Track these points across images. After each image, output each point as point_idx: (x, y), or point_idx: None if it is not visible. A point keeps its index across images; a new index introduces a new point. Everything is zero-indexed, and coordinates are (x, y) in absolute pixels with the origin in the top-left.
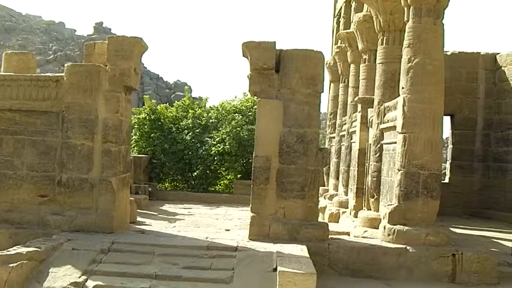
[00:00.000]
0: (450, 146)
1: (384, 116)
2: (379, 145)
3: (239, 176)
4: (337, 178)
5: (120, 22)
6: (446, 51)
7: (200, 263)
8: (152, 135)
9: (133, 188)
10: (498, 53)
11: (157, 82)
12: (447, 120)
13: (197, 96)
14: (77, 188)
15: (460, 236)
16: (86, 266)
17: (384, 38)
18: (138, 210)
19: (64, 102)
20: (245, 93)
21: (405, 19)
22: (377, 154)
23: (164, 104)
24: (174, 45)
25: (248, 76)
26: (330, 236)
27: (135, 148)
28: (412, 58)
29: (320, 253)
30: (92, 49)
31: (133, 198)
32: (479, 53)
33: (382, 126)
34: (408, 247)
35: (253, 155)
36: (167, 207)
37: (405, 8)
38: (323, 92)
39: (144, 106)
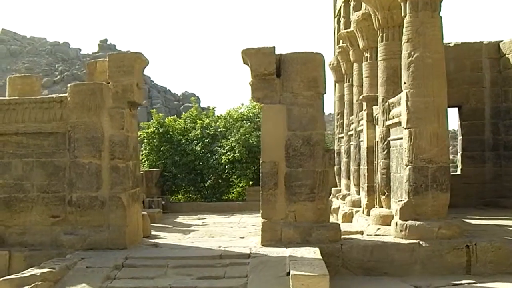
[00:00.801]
0: (460, 137)
1: (389, 113)
2: (386, 142)
3: (251, 183)
4: (349, 178)
5: (125, 38)
6: (448, 43)
7: (214, 273)
8: (162, 148)
9: (146, 203)
10: (501, 41)
11: (165, 95)
12: (455, 111)
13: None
14: (87, 207)
15: (475, 227)
16: (100, 283)
17: (384, 34)
18: (152, 224)
19: (69, 122)
20: (252, 99)
21: (403, 14)
22: (385, 151)
23: (172, 117)
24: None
25: (250, 83)
26: (342, 236)
27: (146, 162)
28: (412, 53)
29: (333, 254)
30: (93, 67)
31: (145, 213)
32: (482, 42)
33: (388, 122)
34: (421, 242)
35: (260, 161)
36: (181, 219)
37: (402, 3)
38: (325, 93)
39: (152, 120)
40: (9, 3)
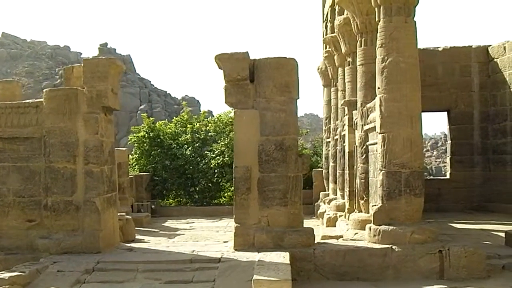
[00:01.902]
0: (449, 141)
1: (367, 118)
2: (364, 147)
3: None
4: (335, 182)
5: (125, 42)
6: (437, 47)
7: (182, 277)
8: (152, 152)
9: (135, 207)
10: (490, 45)
11: (166, 99)
12: (444, 116)
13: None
14: (62, 211)
15: (459, 232)
16: (70, 287)
17: (362, 39)
18: (139, 228)
19: (44, 127)
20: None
21: (377, 19)
22: (363, 156)
23: (163, 121)
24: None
25: (223, 88)
26: (321, 241)
27: (136, 166)
28: (386, 58)
29: (305, 258)
30: (70, 72)
31: (130, 217)
32: (471, 46)
33: (366, 127)
34: (393, 247)
35: (233, 166)
36: (169, 223)
37: (376, 8)
38: (298, 98)
39: (143, 124)
40: (9, 6)
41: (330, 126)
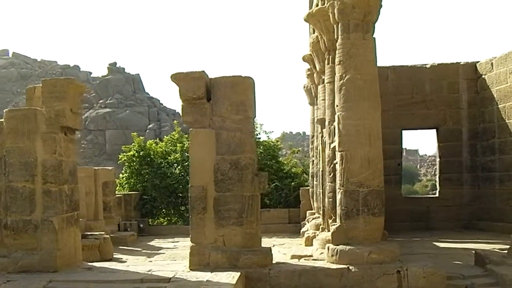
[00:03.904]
0: (438, 159)
1: (334, 136)
2: (332, 165)
3: None
4: (317, 201)
5: (134, 61)
6: (425, 64)
7: None
8: (142, 171)
9: (121, 226)
10: (478, 61)
11: (174, 118)
12: (432, 133)
13: None
14: (21, 230)
15: (441, 251)
16: None
17: (330, 57)
18: (123, 247)
19: (4, 147)
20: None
21: (335, 36)
22: (331, 175)
23: (153, 140)
24: None
25: (181, 107)
26: (278, 261)
27: (126, 185)
28: (344, 75)
29: (261, 279)
30: (32, 92)
31: (107, 236)
32: (459, 63)
33: (333, 145)
34: (350, 267)
35: (189, 185)
36: (155, 242)
37: (335, 26)
38: (255, 117)
39: (133, 143)
40: (20, 27)
41: (315, 145)
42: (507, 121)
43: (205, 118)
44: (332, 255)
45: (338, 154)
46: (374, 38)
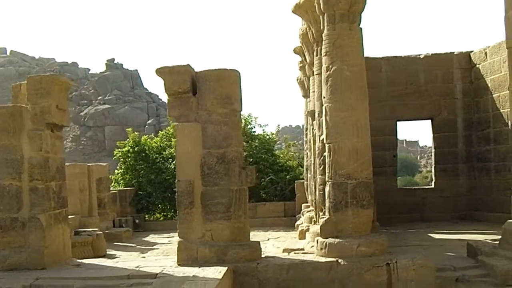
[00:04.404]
0: (433, 150)
1: (323, 128)
2: (322, 158)
3: None
4: (311, 193)
5: (132, 57)
6: (419, 55)
7: None
8: (137, 167)
9: (116, 222)
10: (472, 51)
11: None
12: (427, 124)
13: None
14: (9, 228)
15: (436, 242)
16: None
17: (318, 48)
18: (118, 243)
19: None
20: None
21: (321, 27)
22: (321, 167)
23: (148, 135)
24: None
25: (167, 101)
26: (267, 255)
27: (121, 181)
28: (330, 66)
29: (249, 273)
30: (18, 90)
31: (100, 232)
32: (453, 53)
33: (322, 137)
34: (339, 260)
35: (176, 180)
36: (150, 237)
37: (321, 17)
38: (241, 110)
39: (128, 139)
40: (17, 25)
41: (308, 138)
42: (501, 110)
43: (191, 112)
44: (321, 248)
45: (326, 146)
46: (361, 28)
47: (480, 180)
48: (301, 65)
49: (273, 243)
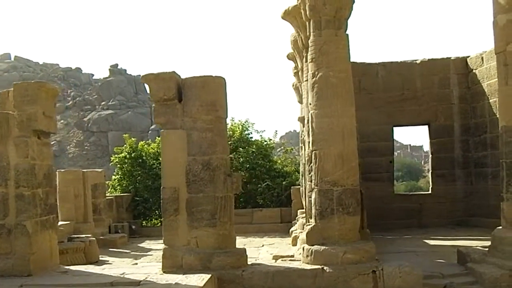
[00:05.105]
0: (430, 155)
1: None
2: (311, 164)
3: None
4: None
5: (136, 62)
6: (415, 60)
7: None
8: (134, 173)
9: (112, 228)
10: (469, 56)
11: None
12: (424, 129)
13: None
14: None
15: (430, 248)
16: None
17: (307, 55)
18: (112, 249)
19: None
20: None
21: (307, 33)
22: (310, 174)
23: (145, 141)
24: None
25: (153, 109)
26: (253, 262)
27: (118, 187)
28: (316, 73)
29: (234, 280)
30: (6, 97)
31: (93, 239)
32: (450, 58)
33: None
34: (325, 267)
35: (161, 187)
36: (146, 243)
37: (307, 23)
38: (226, 117)
39: (124, 145)
40: (22, 30)
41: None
42: (498, 115)
43: (177, 119)
44: (307, 256)
45: (312, 153)
46: (347, 34)
47: (477, 186)
48: (295, 71)
49: (267, 250)
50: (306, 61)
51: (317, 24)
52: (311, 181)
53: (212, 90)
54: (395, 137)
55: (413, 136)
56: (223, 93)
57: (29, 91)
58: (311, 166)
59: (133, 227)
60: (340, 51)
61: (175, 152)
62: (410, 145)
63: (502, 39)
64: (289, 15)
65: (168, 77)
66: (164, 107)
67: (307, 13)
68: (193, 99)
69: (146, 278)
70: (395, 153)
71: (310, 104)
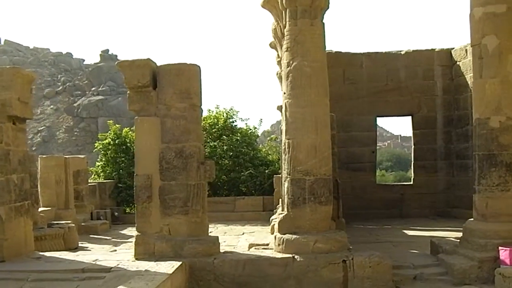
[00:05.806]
0: (412, 146)
1: None
2: (285, 153)
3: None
4: None
5: (127, 48)
6: (400, 51)
7: (67, 286)
8: (118, 159)
9: (94, 214)
10: (453, 48)
11: None
12: (408, 120)
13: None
14: None
15: (408, 239)
16: None
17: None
18: (93, 236)
19: None
20: (209, 110)
21: (283, 22)
22: (284, 163)
23: (129, 127)
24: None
25: (127, 95)
26: (226, 250)
27: (102, 174)
28: (291, 62)
29: (205, 268)
30: None
31: (73, 225)
32: (434, 49)
33: None
34: (296, 256)
35: (135, 174)
36: (127, 230)
37: (283, 12)
38: (201, 105)
39: (109, 131)
40: (12, 14)
41: None
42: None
43: (151, 106)
44: (279, 244)
45: (286, 142)
46: (323, 23)
47: (459, 177)
48: (278, 59)
49: (246, 238)
50: (284, 50)
51: (292, 13)
52: (285, 170)
53: (186, 77)
54: (386, 128)
55: (404, 126)
56: (197, 81)
57: (4, 77)
58: (285, 156)
59: (116, 213)
60: (315, 41)
61: (149, 139)
62: (400, 135)
63: (477, 32)
64: (268, 3)
65: (142, 64)
66: (138, 94)
67: (284, 2)
68: (167, 86)
69: (117, 265)
70: (385, 143)
71: (284, 93)
